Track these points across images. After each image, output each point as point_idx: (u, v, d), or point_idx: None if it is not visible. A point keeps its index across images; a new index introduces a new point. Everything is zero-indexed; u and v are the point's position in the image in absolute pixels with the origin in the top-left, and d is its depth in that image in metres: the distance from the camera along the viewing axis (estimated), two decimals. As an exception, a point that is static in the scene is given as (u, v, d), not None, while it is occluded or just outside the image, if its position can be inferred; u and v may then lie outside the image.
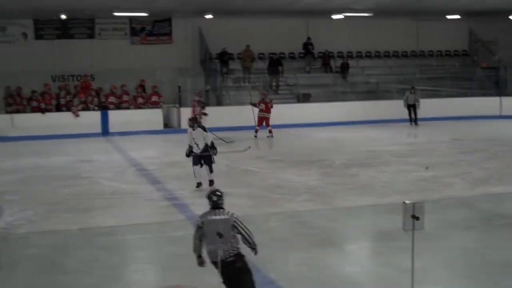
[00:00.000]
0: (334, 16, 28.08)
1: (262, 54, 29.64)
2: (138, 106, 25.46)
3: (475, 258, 9.01)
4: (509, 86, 30.26)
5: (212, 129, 21.04)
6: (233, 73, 28.53)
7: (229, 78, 28.10)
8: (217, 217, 6.69)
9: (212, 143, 13.66)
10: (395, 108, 25.96)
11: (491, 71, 31.54)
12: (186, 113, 21.84)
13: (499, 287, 7.96)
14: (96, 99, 24.85)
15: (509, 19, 29.53)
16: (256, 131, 22.52)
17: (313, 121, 25.70)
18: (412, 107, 25.69)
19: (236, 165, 16.59)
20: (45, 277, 8.53)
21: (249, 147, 18.08)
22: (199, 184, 13.55)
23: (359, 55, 31.51)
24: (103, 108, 24.74)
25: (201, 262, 6.85)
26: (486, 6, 27.50)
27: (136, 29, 28.34)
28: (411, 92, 25.83)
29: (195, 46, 28.97)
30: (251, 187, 13.76)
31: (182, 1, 24.50)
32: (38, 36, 27.05)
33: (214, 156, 13.63)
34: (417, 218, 6.51)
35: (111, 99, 25.13)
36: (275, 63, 28.55)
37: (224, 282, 6.60)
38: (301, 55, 30.20)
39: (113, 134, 24.01)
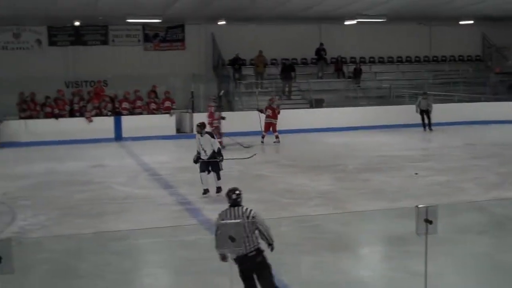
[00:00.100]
0: (347, 22, 28.07)
1: (275, 59, 29.68)
2: (151, 112, 25.52)
3: (488, 263, 8.96)
4: (523, 91, 30.15)
5: (227, 134, 21.32)
6: (245, 79, 28.58)
7: (242, 83, 28.14)
8: (230, 220, 6.86)
9: (219, 149, 13.55)
10: (408, 113, 25.86)
11: (504, 76, 31.38)
12: (199, 118, 21.91)
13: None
14: (109, 105, 24.92)
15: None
16: (263, 137, 22.48)
17: (326, 126, 25.67)
18: (425, 113, 25.57)
19: (248, 170, 16.57)
20: (58, 281, 8.56)
21: (255, 154, 17.99)
22: (206, 191, 13.43)
23: (372, 61, 31.51)
24: (116, 114, 24.82)
25: (223, 258, 6.97)
26: (499, 11, 27.45)
27: (149, 35, 28.46)
28: (423, 98, 25.70)
29: (208, 52, 29.06)
30: (262, 192, 13.74)
31: (195, 7, 24.55)
32: (52, 43, 27.23)
33: (221, 163, 13.51)
34: (430, 222, 6.48)
35: (125, 104, 25.20)
36: (288, 69, 28.52)
37: (243, 276, 6.80)
38: (314, 60, 30.20)
39: (126, 139, 24.08)
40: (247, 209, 7.05)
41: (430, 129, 25.46)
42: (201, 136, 13.51)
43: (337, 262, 9.03)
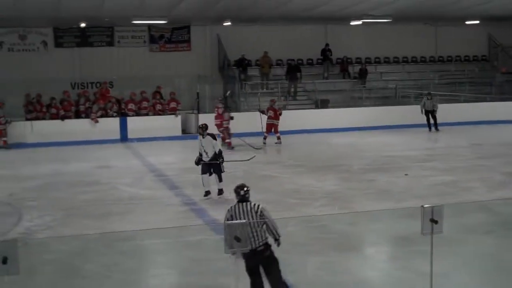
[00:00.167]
0: (353, 22, 28.04)
1: (280, 60, 29.69)
2: (157, 113, 25.53)
3: (494, 263, 8.94)
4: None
5: (235, 135, 21.33)
6: (251, 80, 28.58)
7: (247, 84, 28.14)
8: (239, 215, 7.08)
9: (220, 151, 13.44)
10: (413, 113, 25.79)
11: (511, 75, 31.31)
12: (204, 119, 21.98)
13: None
14: (115, 106, 24.95)
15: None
16: (265, 138, 22.43)
17: (331, 126, 25.65)
18: (430, 113, 25.48)
19: (253, 170, 16.55)
20: (64, 281, 8.58)
21: (254, 155, 17.83)
22: (207, 193, 13.36)
23: (378, 61, 31.49)
24: (122, 115, 24.86)
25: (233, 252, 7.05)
26: (505, 11, 27.39)
27: (155, 36, 28.49)
28: (427, 98, 25.60)
29: (214, 53, 29.09)
30: (269, 192, 13.70)
31: (201, 8, 24.56)
32: (58, 44, 27.28)
33: (223, 165, 13.42)
34: (436, 222, 6.47)
35: (131, 106, 25.22)
36: (293, 69, 28.49)
37: (249, 271, 6.97)
38: (319, 61, 30.20)
39: (132, 140, 24.13)
40: (255, 204, 7.25)
41: (437, 130, 25.36)
42: (203, 137, 13.43)
43: (343, 262, 9.03)
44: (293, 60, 29.13)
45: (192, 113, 25.58)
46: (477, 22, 30.14)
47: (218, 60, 29.09)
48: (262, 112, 22.69)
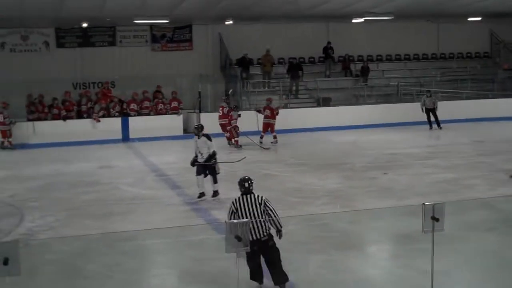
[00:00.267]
0: (354, 20, 28.01)
1: (282, 58, 29.63)
2: (158, 112, 25.52)
3: (496, 260, 8.93)
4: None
5: (242, 133, 21.34)
6: (253, 78, 28.56)
7: (249, 83, 28.12)
8: (243, 207, 7.38)
9: (214, 152, 13.28)
10: (415, 111, 25.69)
11: (513, 72, 31.29)
12: (206, 118, 22.07)
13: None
14: (117, 106, 24.94)
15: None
16: (261, 137, 22.31)
17: (333, 124, 25.63)
18: (431, 111, 25.39)
19: (255, 169, 16.51)
20: (66, 282, 8.59)
21: (245, 157, 17.52)
22: (201, 194, 13.30)
23: (379, 59, 31.44)
24: (124, 115, 24.86)
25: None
26: (507, 7, 27.32)
27: (156, 36, 28.46)
28: (427, 96, 25.48)
29: (215, 52, 29.05)
30: (270, 191, 13.59)
31: (202, 8, 24.54)
32: (59, 45, 27.24)
33: (217, 166, 13.34)
34: (437, 220, 6.47)
35: (133, 106, 25.20)
36: (295, 68, 28.44)
37: (249, 258, 7.13)
38: (321, 59, 30.13)
39: (133, 140, 24.13)
40: (258, 195, 7.51)
41: (439, 127, 25.22)
42: (198, 138, 13.35)
43: (345, 260, 9.04)
44: (295, 58, 29.09)
45: (194, 112, 25.55)
46: (479, 18, 30.06)
47: (220, 59, 29.06)
48: (259, 111, 22.63)
